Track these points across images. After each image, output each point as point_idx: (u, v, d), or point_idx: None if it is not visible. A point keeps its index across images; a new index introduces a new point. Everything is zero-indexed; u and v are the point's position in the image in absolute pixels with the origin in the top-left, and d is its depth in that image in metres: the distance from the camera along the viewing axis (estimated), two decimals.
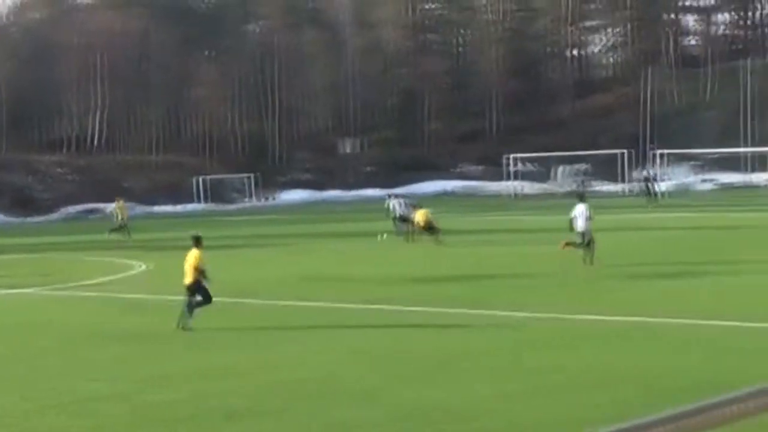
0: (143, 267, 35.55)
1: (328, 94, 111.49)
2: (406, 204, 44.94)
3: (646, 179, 72.68)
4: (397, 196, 47.87)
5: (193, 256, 21.60)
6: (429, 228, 40.18)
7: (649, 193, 68.15)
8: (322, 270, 32.40)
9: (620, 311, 21.26)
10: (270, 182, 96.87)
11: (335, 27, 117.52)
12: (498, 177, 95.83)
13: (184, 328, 20.84)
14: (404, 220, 43.45)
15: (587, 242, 29.84)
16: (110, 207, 60.97)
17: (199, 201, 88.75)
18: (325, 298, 24.98)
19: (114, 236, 50.64)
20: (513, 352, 17.23)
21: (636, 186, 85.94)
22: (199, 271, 21.29)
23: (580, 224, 29.86)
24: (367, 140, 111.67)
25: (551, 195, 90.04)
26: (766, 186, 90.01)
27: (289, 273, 31.48)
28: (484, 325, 20.19)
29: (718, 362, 15.61)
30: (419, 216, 41.03)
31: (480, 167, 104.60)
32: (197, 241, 22.00)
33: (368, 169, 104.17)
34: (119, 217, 52.84)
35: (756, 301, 22.22)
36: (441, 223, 41.84)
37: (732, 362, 15.52)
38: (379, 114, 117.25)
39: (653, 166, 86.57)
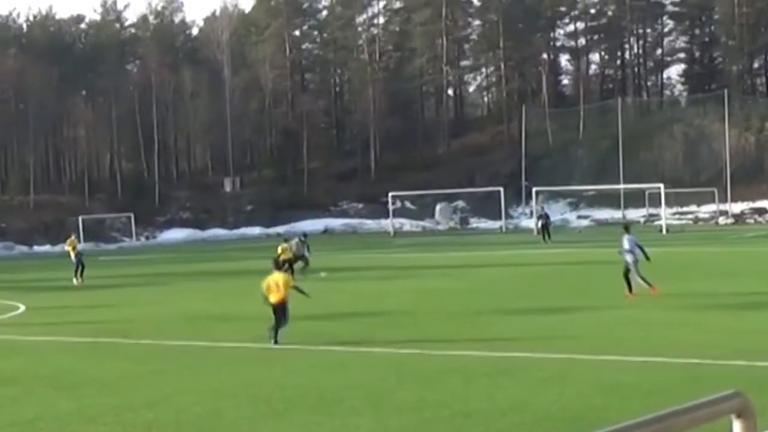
0: (21, 308, 35.19)
1: (207, 133, 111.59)
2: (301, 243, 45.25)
3: (540, 216, 73.76)
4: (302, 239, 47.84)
5: (280, 277, 23.60)
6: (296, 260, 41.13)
7: (544, 230, 69.14)
8: (203, 308, 32.38)
9: (497, 346, 21.54)
10: (150, 221, 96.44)
11: (214, 66, 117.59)
12: (378, 214, 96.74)
13: (276, 343, 22.56)
14: (299, 258, 43.78)
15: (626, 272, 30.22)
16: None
17: (78, 241, 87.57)
18: (205, 337, 24.92)
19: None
20: (392, 388, 17.40)
21: (510, 223, 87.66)
22: (290, 288, 23.51)
23: (636, 254, 30.26)
24: (247, 179, 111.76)
25: (431, 232, 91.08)
26: (640, 222, 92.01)
27: (170, 312, 31.34)
28: (363, 362, 20.39)
29: (589, 397, 15.90)
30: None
31: (360, 205, 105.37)
32: (277, 264, 24.71)
33: (248, 207, 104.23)
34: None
35: (632, 335, 22.66)
36: (321, 261, 42.24)
37: (603, 397, 15.82)
38: (259, 153, 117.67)
39: (531, 203, 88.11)
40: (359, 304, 31.68)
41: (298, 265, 43.06)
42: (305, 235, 50.52)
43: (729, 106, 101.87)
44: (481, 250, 42.61)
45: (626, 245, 30.23)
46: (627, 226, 32.89)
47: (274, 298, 23.16)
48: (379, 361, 20.47)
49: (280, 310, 23.10)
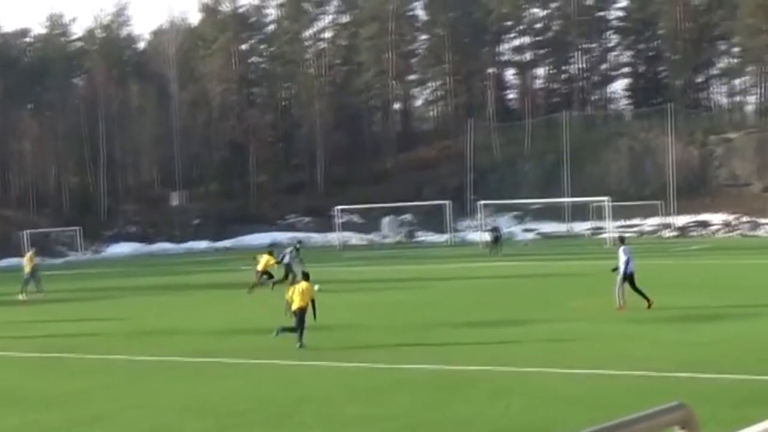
0: None
1: (154, 146, 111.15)
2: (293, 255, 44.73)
3: (492, 230, 74.11)
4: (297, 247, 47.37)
5: (305, 288, 25.23)
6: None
7: (495, 243, 69.39)
8: (150, 323, 32.26)
9: (446, 359, 21.70)
10: (97, 235, 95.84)
11: (161, 80, 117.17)
12: (325, 228, 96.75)
13: (303, 346, 24.03)
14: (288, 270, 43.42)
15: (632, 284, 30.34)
16: None
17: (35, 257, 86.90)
18: (153, 352, 24.87)
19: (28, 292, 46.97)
20: (342, 401, 17.45)
21: (456, 237, 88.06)
22: (311, 301, 24.98)
23: (632, 265, 30.34)
24: (194, 193, 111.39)
25: (378, 245, 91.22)
26: (586, 235, 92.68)
27: (117, 326, 31.13)
28: (313, 376, 20.44)
29: (537, 409, 16.02)
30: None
31: (307, 219, 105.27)
32: (306, 276, 26.31)
33: (195, 221, 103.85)
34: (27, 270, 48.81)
35: (579, 348, 22.89)
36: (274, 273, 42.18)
37: (551, 409, 15.95)
38: (206, 167, 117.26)
39: (478, 217, 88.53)
40: (307, 317, 31.55)
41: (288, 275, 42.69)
42: (300, 242, 50.54)
43: (673, 119, 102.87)
44: (428, 263, 42.86)
45: (623, 256, 30.35)
46: (622, 238, 32.99)
47: (296, 305, 24.83)
48: (329, 375, 20.54)
49: (300, 318, 24.64)
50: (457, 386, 18.48)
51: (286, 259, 43.59)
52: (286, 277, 42.22)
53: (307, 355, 23.15)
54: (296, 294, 25.05)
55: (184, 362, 23.26)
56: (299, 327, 24.52)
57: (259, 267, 41.38)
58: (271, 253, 42.98)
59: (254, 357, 23.29)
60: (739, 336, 23.92)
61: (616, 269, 30.46)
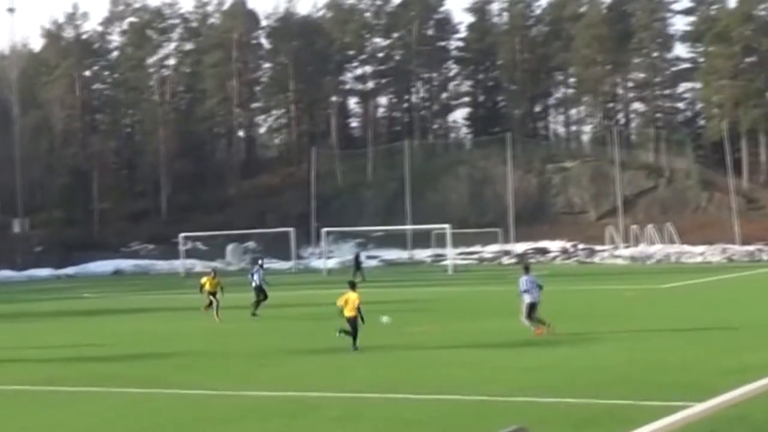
0: None
1: None
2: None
3: (357, 256, 74.70)
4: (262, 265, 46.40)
5: (354, 297, 27.88)
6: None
7: (358, 269, 69.84)
8: None
9: (292, 386, 21.87)
10: None
11: (3, 105, 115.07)
12: (169, 255, 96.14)
13: (357, 349, 27.20)
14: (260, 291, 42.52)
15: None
16: None
17: None
18: None
19: None
20: (188, 429, 17.64)
21: (300, 264, 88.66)
22: (359, 309, 27.62)
23: (534, 295, 30.50)
24: (37, 220, 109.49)
25: (222, 273, 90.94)
26: (428, 262, 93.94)
27: None
28: (159, 404, 20.34)
29: None
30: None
31: (151, 246, 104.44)
32: (353, 286, 28.78)
33: (38, 248, 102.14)
34: None
35: (422, 374, 23.27)
36: (111, 302, 41.82)
37: None
38: (49, 193, 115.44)
39: (321, 244, 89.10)
40: (153, 344, 31.47)
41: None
42: (262, 259, 50.01)
43: (512, 148, 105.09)
44: (271, 290, 43.24)
45: (523, 286, 30.77)
46: (527, 267, 33.47)
47: (347, 314, 27.73)
48: (175, 403, 20.49)
49: (353, 324, 27.57)
50: (304, 412, 18.75)
51: (256, 280, 42.94)
52: (259, 297, 41.67)
53: (154, 383, 23.01)
54: (345, 303, 27.85)
55: (26, 390, 22.83)
56: (353, 333, 27.48)
57: (206, 288, 40.52)
58: (213, 276, 42.36)
59: (99, 384, 23.00)
60: (574, 360, 24.77)
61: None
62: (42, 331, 39.52)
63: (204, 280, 41.14)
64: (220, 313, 38.66)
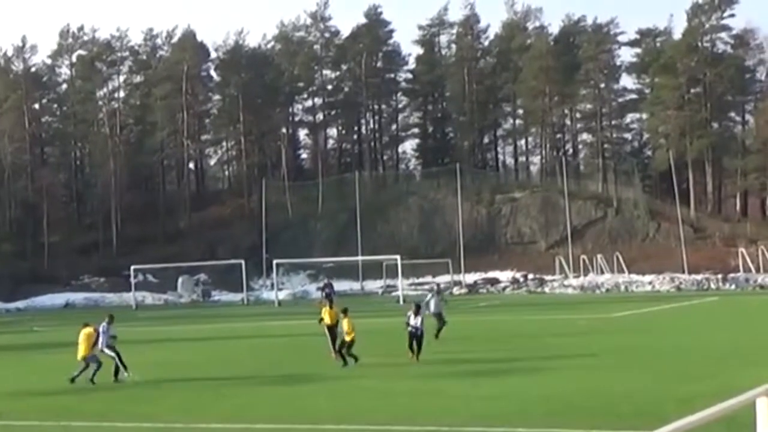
0: None
1: None
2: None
3: (325, 286, 74.54)
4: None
5: (345, 322, 30.64)
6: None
7: (328, 299, 69.56)
8: None
9: (241, 418, 21.87)
10: None
11: None
12: (120, 288, 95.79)
13: (356, 361, 30.20)
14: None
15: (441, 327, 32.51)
16: None
17: None
18: None
19: None
20: None
21: (251, 295, 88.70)
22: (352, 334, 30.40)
23: (432, 306, 31.07)
24: None
25: (173, 305, 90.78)
26: (379, 293, 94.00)
27: None
28: None
29: None
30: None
31: (101, 279, 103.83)
32: (345, 312, 31.39)
33: None
34: None
35: (374, 404, 23.47)
36: (60, 335, 41.47)
37: None
38: None
39: (272, 276, 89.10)
40: (102, 377, 31.19)
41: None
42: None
43: (461, 179, 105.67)
44: (223, 322, 43.27)
45: (433, 308, 31.24)
46: (440, 290, 33.84)
47: (347, 338, 30.51)
48: None
49: (333, 334, 31.91)
50: None
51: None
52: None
53: (104, 416, 22.86)
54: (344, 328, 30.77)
55: None
56: (332, 339, 31.72)
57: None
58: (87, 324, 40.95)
59: (45, 419, 22.81)
60: (527, 389, 24.99)
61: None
62: None
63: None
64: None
